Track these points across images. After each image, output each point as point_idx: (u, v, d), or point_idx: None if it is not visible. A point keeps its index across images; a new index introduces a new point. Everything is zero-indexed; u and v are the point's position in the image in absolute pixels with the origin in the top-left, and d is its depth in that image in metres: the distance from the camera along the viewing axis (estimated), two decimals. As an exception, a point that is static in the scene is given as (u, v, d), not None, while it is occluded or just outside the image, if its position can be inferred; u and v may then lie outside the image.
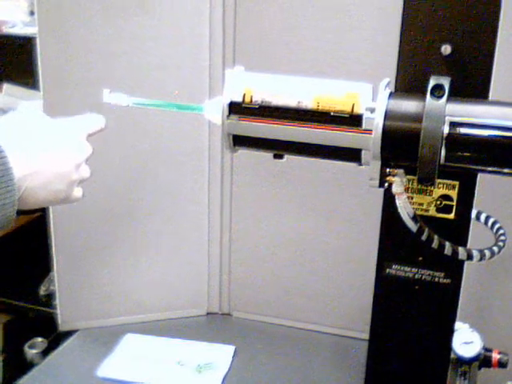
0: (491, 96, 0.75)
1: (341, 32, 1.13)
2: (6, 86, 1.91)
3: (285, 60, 1.17)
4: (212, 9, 1.19)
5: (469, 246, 0.79)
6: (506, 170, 0.72)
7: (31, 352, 1.73)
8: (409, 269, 0.82)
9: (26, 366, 1.43)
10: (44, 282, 1.87)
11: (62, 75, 1.17)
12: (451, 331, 0.86)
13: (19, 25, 1.82)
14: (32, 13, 1.80)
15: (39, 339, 1.74)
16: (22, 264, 1.90)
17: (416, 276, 0.82)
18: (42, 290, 1.86)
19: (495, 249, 0.81)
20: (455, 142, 0.70)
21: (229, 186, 1.31)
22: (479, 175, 0.77)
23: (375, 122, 0.71)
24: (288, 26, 1.17)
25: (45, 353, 1.50)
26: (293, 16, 1.16)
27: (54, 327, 1.33)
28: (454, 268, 0.81)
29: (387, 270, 0.83)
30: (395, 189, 0.75)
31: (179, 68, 1.21)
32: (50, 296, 1.74)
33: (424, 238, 0.76)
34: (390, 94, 0.73)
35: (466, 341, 0.94)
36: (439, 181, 0.78)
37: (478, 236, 0.83)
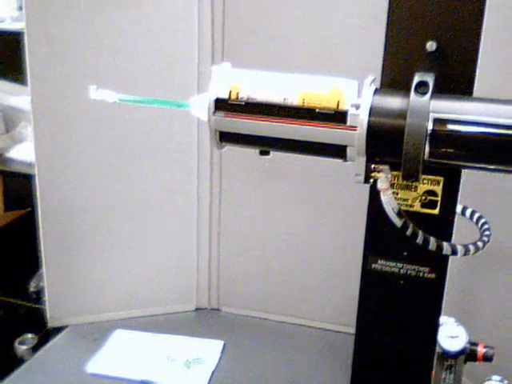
0: (475, 93, 0.76)
1: (327, 29, 1.13)
2: (-6, 81, 1.90)
3: (274, 57, 1.17)
4: (200, 5, 1.19)
5: (453, 241, 0.80)
6: (489, 167, 0.72)
7: (21, 348, 1.72)
8: (394, 264, 0.83)
9: (16, 362, 1.43)
10: (34, 278, 1.87)
11: (49, 70, 1.17)
12: (436, 325, 0.87)
13: (7, 20, 1.81)
14: (21, 8, 1.79)
15: (29, 335, 1.74)
16: (12, 260, 1.90)
17: (401, 271, 0.83)
18: (32, 287, 1.86)
19: (480, 244, 0.81)
20: (439, 138, 0.70)
21: (218, 180, 1.32)
22: (464, 171, 0.78)
23: (360, 118, 0.71)
24: (276, 23, 1.17)
25: (35, 349, 1.50)
26: (281, 13, 1.16)
27: (44, 323, 1.33)
28: (439, 263, 0.82)
29: (372, 265, 0.84)
30: (380, 185, 0.75)
31: (168, 64, 1.21)
32: (40, 292, 1.74)
33: (409, 233, 0.76)
34: (375, 91, 0.74)
35: (451, 335, 0.94)
36: (424, 176, 0.78)
37: (462, 231, 0.84)
